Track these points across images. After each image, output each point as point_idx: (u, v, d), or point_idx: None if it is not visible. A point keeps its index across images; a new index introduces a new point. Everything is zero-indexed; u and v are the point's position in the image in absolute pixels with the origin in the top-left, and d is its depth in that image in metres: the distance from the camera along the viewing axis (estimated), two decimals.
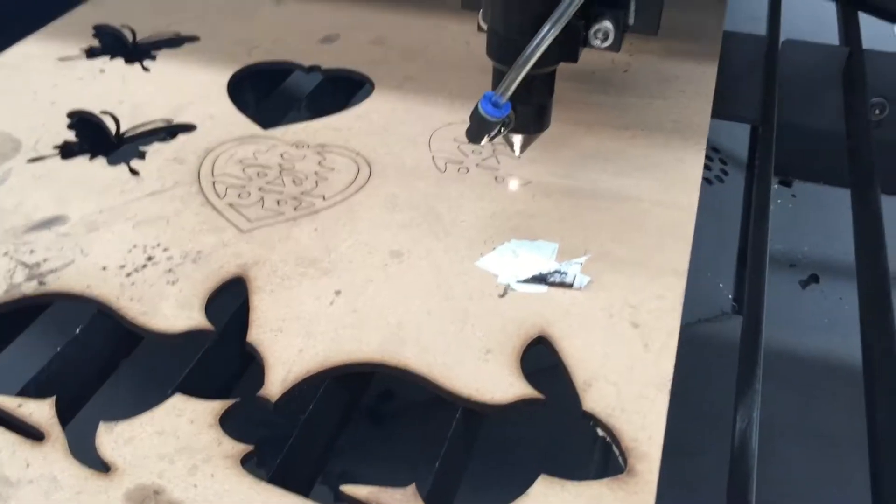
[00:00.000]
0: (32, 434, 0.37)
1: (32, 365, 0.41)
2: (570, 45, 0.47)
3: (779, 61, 0.73)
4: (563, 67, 0.48)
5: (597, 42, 0.48)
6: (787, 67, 0.74)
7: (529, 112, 0.48)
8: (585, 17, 0.48)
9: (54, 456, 0.36)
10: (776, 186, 1.60)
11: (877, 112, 0.72)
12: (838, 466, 0.75)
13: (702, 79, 0.63)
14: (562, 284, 0.45)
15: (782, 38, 0.77)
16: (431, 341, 0.41)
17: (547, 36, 0.42)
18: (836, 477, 0.74)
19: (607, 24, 0.48)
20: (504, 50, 0.45)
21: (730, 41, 0.74)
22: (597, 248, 0.46)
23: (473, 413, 0.39)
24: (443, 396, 0.39)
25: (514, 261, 0.46)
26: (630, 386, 0.39)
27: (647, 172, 0.53)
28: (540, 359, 0.42)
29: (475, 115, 0.45)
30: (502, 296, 0.44)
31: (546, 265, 0.45)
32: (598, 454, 0.37)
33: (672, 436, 0.39)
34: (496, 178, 0.52)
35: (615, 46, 0.48)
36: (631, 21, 0.50)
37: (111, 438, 0.36)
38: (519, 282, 0.45)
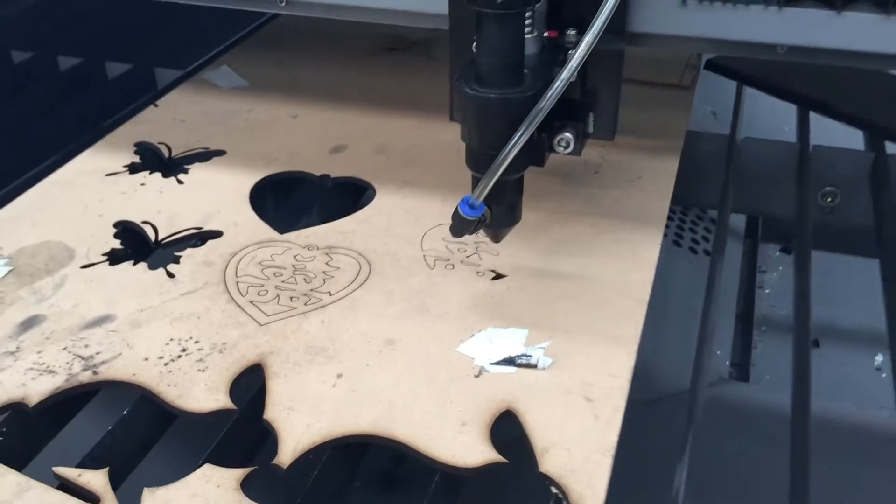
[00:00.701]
0: (90, 499, 0.45)
1: (88, 441, 0.49)
2: (535, 153, 0.56)
3: (738, 156, 0.83)
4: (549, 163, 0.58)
5: (560, 149, 0.58)
6: (747, 161, 0.83)
7: (502, 210, 0.57)
8: (550, 129, 0.58)
9: None
10: (777, 254, 1.68)
11: (828, 199, 0.81)
12: None
13: (663, 175, 0.72)
14: (528, 365, 0.53)
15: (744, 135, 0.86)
16: (417, 417, 0.49)
17: (510, 151, 0.51)
18: None
19: (568, 135, 0.58)
20: (478, 161, 0.54)
21: (695, 138, 0.83)
22: (560, 330, 0.55)
23: (451, 476, 0.47)
24: (425, 462, 0.47)
25: (489, 346, 0.54)
26: (580, 451, 0.47)
27: (609, 258, 0.62)
28: (509, 431, 0.50)
29: (455, 215, 0.54)
30: (477, 376, 0.52)
31: (515, 349, 0.54)
32: None
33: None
34: (478, 273, 0.61)
35: (576, 152, 0.58)
36: (590, 130, 0.59)
37: (153, 501, 0.45)
38: (492, 363, 0.53)
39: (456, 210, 0.54)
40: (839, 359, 1.40)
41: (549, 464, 0.47)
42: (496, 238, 0.59)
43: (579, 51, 0.50)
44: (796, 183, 0.80)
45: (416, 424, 0.49)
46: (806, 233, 0.71)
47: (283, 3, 0.69)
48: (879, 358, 1.33)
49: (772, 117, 1.23)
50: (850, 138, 0.86)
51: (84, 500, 0.45)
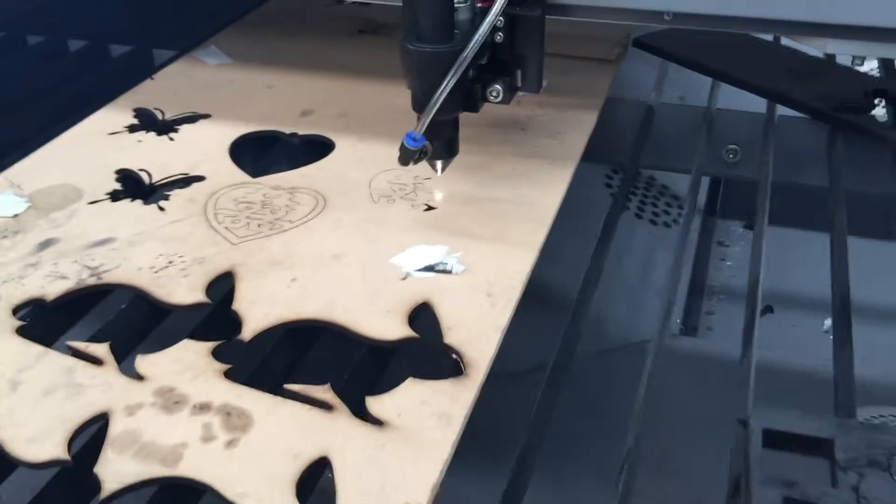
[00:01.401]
0: (95, 361, 0.59)
1: (98, 327, 0.63)
2: (469, 100, 0.71)
3: (654, 120, 0.96)
4: (487, 118, 0.75)
5: (492, 98, 0.72)
6: (661, 124, 0.96)
7: (441, 144, 0.71)
8: (482, 81, 0.71)
9: (109, 371, 0.58)
10: (741, 230, 1.81)
11: (731, 156, 0.93)
12: None
13: (580, 131, 0.86)
14: (444, 271, 0.66)
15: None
16: (352, 307, 0.63)
17: (442, 94, 0.65)
18: None
19: (498, 87, 0.71)
20: (419, 104, 0.68)
21: (615, 104, 0.96)
22: (474, 245, 0.68)
23: (377, 348, 0.61)
24: (357, 339, 0.61)
25: (415, 258, 0.68)
26: (477, 329, 0.60)
27: (525, 189, 0.76)
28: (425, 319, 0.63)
29: (401, 147, 0.68)
30: (403, 279, 0.66)
31: (435, 259, 0.67)
32: (451, 368, 0.58)
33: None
34: (413, 206, 0.74)
35: (506, 101, 0.72)
36: (518, 84, 0.73)
37: (144, 363, 0.58)
38: (416, 270, 0.66)
39: (402, 143, 0.67)
40: (791, 322, 1.53)
41: (452, 338, 0.60)
42: (438, 169, 0.73)
43: (490, 14, 0.64)
44: (703, 142, 0.92)
45: (350, 312, 0.62)
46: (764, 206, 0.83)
47: None
48: (828, 322, 1.45)
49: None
50: (756, 103, 0.99)
51: (92, 362, 0.59)
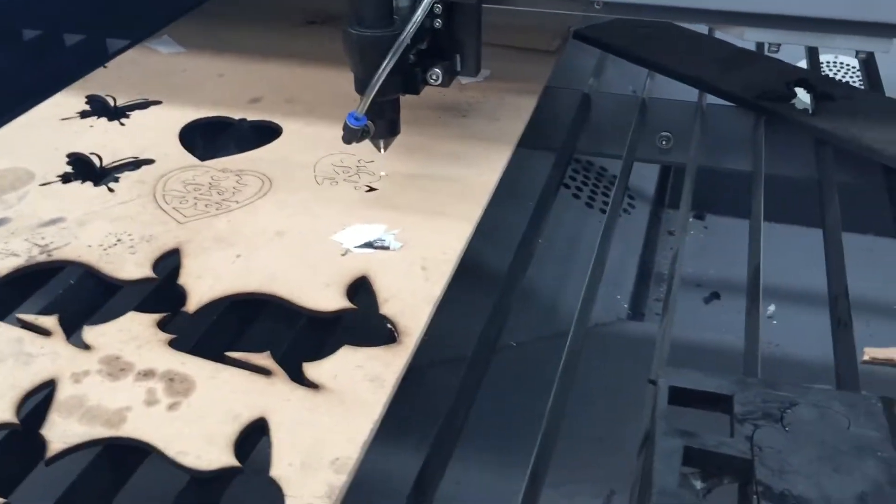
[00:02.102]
0: (44, 332, 0.61)
1: (46, 302, 0.65)
2: (410, 83, 0.74)
3: (589, 107, 1.00)
4: (431, 102, 0.81)
5: (432, 81, 0.76)
6: (597, 112, 1.00)
7: (383, 124, 0.75)
8: (423, 64, 0.75)
9: (57, 342, 0.60)
10: (691, 220, 1.86)
11: (664, 143, 0.98)
12: None
13: (518, 117, 0.90)
14: (382, 247, 0.70)
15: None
16: (293, 280, 0.66)
17: (381, 75, 0.69)
18: None
19: (438, 70, 0.75)
20: (360, 85, 0.72)
21: (555, 92, 1.00)
22: (411, 222, 0.72)
23: (315, 319, 0.64)
24: (295, 310, 0.64)
25: (355, 235, 0.71)
26: (411, 301, 0.64)
27: (469, 163, 0.80)
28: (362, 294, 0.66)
29: (345, 126, 0.71)
30: (343, 255, 0.69)
31: (374, 236, 0.71)
32: (386, 336, 0.61)
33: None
34: (355, 188, 0.78)
35: (445, 84, 0.76)
36: (458, 68, 0.77)
37: (91, 334, 0.61)
38: (355, 247, 0.70)
39: (345, 122, 0.71)
40: (737, 308, 1.58)
41: (388, 309, 0.63)
42: (381, 147, 0.76)
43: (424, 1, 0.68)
44: (635, 129, 0.97)
45: (291, 285, 0.65)
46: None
47: None
48: (772, 308, 1.51)
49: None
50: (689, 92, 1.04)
51: (40, 333, 0.61)
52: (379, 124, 0.73)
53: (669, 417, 0.52)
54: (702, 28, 1.13)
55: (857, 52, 0.77)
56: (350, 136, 0.72)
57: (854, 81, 1.39)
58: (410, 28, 0.68)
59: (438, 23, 0.74)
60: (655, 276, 1.65)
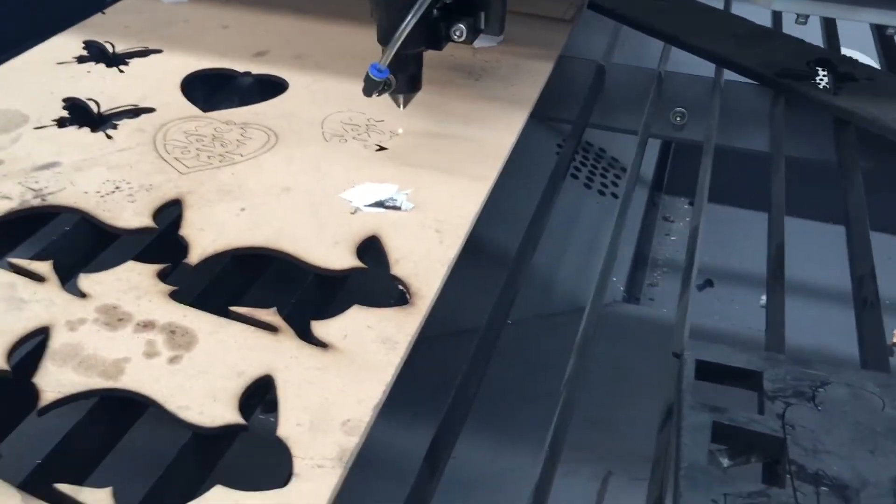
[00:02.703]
0: (38, 278, 0.58)
1: (40, 248, 0.62)
2: (433, 37, 0.72)
3: (605, 79, 0.97)
4: (444, 63, 0.80)
5: (455, 37, 0.73)
6: (611, 84, 0.97)
7: (405, 79, 0.72)
8: (447, 20, 0.72)
9: (51, 288, 0.57)
10: (686, 206, 1.84)
11: (678, 119, 0.95)
12: None
13: (535, 79, 0.87)
14: (394, 207, 0.67)
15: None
16: (301, 237, 0.63)
17: (407, 26, 0.66)
18: None
19: (462, 26, 0.72)
20: (384, 35, 0.69)
21: (568, 62, 0.97)
22: (425, 182, 0.69)
23: (324, 277, 0.61)
24: (304, 267, 0.61)
25: (365, 193, 0.68)
26: (425, 263, 0.61)
27: (484, 124, 0.77)
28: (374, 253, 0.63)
29: (366, 77, 0.69)
30: (353, 213, 0.66)
31: (385, 195, 0.68)
32: (397, 298, 0.59)
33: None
34: (365, 146, 0.75)
35: (469, 41, 0.74)
36: (481, 26, 0.74)
37: (87, 281, 0.58)
38: (365, 205, 0.67)
39: (367, 73, 0.68)
40: (730, 297, 1.57)
41: (399, 270, 0.61)
42: (401, 103, 0.74)
43: None
44: (651, 103, 0.94)
45: (298, 241, 0.62)
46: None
47: None
48: (765, 297, 1.50)
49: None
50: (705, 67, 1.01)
51: (33, 279, 0.58)
52: (400, 79, 0.71)
53: (697, 392, 0.50)
54: (718, 3, 1.11)
55: (887, 28, 0.74)
56: (371, 88, 0.69)
57: None
58: None
59: None
60: (651, 261, 1.63)
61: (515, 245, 1.18)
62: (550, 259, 1.33)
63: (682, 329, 0.59)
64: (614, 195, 1.65)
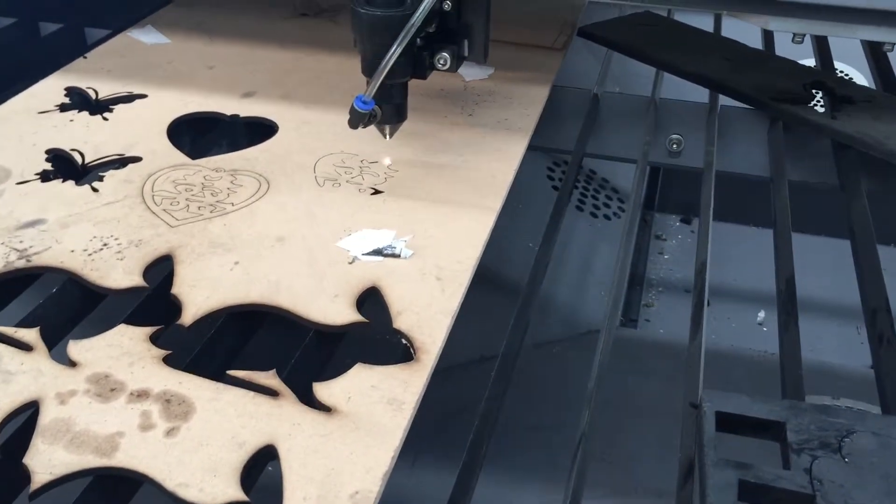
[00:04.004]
0: (25, 347, 0.56)
1: (25, 311, 0.60)
2: (418, 67, 0.71)
3: (598, 107, 0.96)
4: (435, 92, 0.78)
5: (439, 65, 0.72)
6: (604, 112, 0.96)
7: (390, 109, 0.71)
8: (430, 49, 0.71)
9: (39, 358, 0.55)
10: (678, 224, 1.83)
11: (674, 146, 0.94)
12: None
13: (533, 101, 0.86)
14: (393, 255, 0.65)
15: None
16: (297, 291, 0.61)
17: (391, 57, 0.65)
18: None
19: (446, 55, 0.71)
20: (368, 66, 0.68)
21: (562, 91, 0.96)
22: (422, 228, 0.67)
23: (324, 333, 0.59)
24: (303, 324, 0.59)
25: (362, 241, 0.66)
26: (427, 313, 0.59)
27: (482, 155, 0.76)
28: (373, 304, 0.61)
29: (351, 109, 0.68)
30: (351, 263, 0.64)
31: (383, 243, 0.66)
32: (401, 354, 0.57)
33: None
34: (360, 190, 0.73)
35: (453, 69, 0.72)
36: (465, 53, 0.72)
37: (77, 349, 0.55)
38: (363, 254, 0.65)
39: (352, 105, 0.67)
40: (727, 314, 1.55)
41: (401, 323, 0.58)
42: (387, 134, 0.73)
43: None
44: (645, 130, 0.93)
45: (296, 296, 0.60)
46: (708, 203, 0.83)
47: None
48: (761, 314, 1.48)
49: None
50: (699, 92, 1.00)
51: (20, 347, 0.55)
52: (386, 109, 0.70)
53: (718, 445, 0.48)
54: (707, 26, 1.10)
55: (884, 45, 0.73)
56: (356, 119, 0.68)
57: None
58: (423, 8, 0.64)
59: (448, 5, 0.70)
60: (645, 281, 1.62)
61: (508, 270, 1.16)
62: (546, 283, 1.31)
63: (697, 378, 0.57)
64: (606, 217, 1.64)
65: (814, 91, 0.89)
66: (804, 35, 0.76)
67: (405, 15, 0.65)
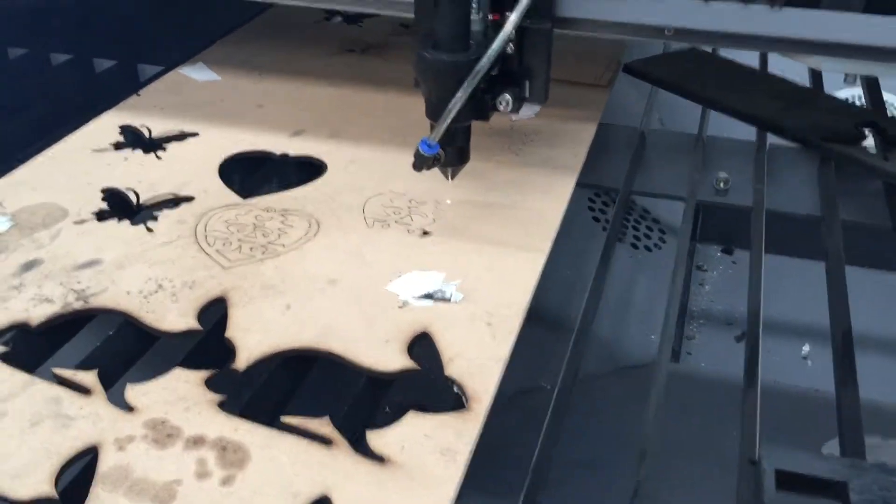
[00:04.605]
0: (83, 391, 0.56)
1: (84, 354, 0.61)
2: (480, 110, 0.71)
3: (644, 146, 0.95)
4: (486, 128, 0.78)
5: (501, 107, 0.72)
6: (651, 150, 0.96)
7: (454, 151, 0.71)
8: (492, 91, 0.71)
9: (97, 401, 0.55)
10: (719, 254, 1.81)
11: (721, 185, 0.93)
12: None
13: (580, 139, 0.86)
14: (443, 299, 0.65)
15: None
16: (349, 336, 0.61)
17: (457, 102, 0.65)
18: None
19: (507, 97, 0.71)
20: (434, 111, 0.68)
21: (608, 128, 0.96)
22: (473, 272, 0.67)
23: (376, 380, 0.59)
24: (355, 369, 0.59)
25: (412, 285, 0.66)
26: (478, 361, 0.59)
27: (530, 193, 0.77)
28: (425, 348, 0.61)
29: (416, 153, 0.68)
30: (401, 307, 0.64)
31: (433, 287, 0.66)
32: (453, 401, 0.57)
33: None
34: (409, 231, 0.73)
35: (514, 111, 0.72)
36: (526, 95, 0.73)
37: (134, 393, 0.56)
38: (414, 298, 0.65)
39: (417, 148, 0.67)
40: (769, 347, 1.53)
41: (453, 369, 0.58)
42: (450, 175, 0.73)
43: (507, 25, 0.65)
44: (693, 168, 0.92)
45: (347, 341, 0.61)
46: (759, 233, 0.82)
47: None
48: (806, 348, 1.46)
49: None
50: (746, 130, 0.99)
51: (79, 391, 0.56)
52: (449, 151, 0.70)
53: None
54: (752, 61, 1.09)
55: None
56: (421, 162, 0.68)
57: None
58: (491, 53, 0.64)
59: (511, 48, 0.70)
60: (687, 312, 1.60)
61: (547, 300, 1.15)
62: (588, 315, 1.31)
63: (755, 433, 0.56)
64: (647, 248, 1.62)
65: (864, 130, 0.88)
66: (856, 76, 0.75)
67: (472, 60, 0.65)
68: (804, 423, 1.09)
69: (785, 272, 1.68)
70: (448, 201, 0.76)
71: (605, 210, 1.49)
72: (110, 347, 0.62)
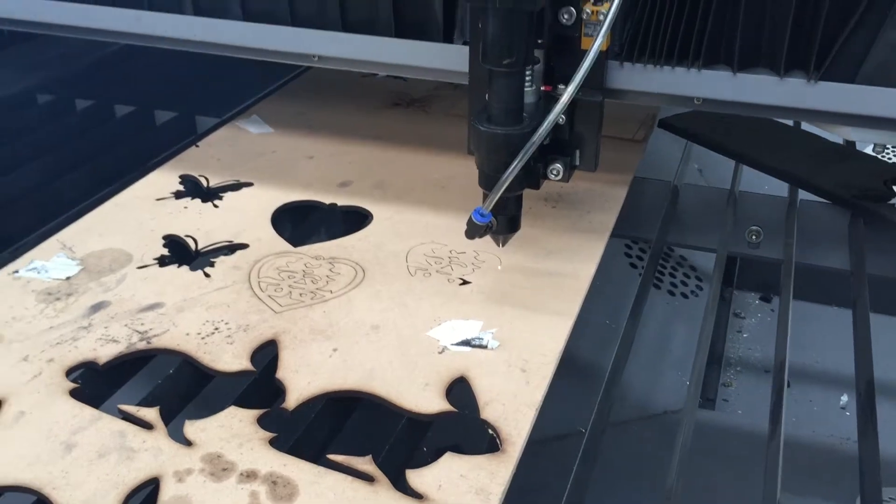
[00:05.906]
0: (146, 426, 0.61)
1: (146, 390, 0.65)
2: (532, 178, 0.73)
3: (678, 199, 0.99)
4: (541, 194, 0.81)
5: (552, 176, 0.74)
6: (684, 204, 0.99)
7: (505, 220, 0.73)
8: (544, 160, 0.74)
9: (159, 436, 0.60)
10: (757, 302, 1.82)
11: (753, 237, 0.96)
12: None
13: (612, 204, 0.89)
14: (480, 346, 0.69)
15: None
16: (391, 379, 0.65)
17: (511, 174, 0.67)
18: None
19: (559, 166, 0.74)
20: (487, 181, 0.70)
21: (643, 182, 0.99)
22: (508, 320, 0.71)
23: (416, 421, 0.63)
24: (395, 411, 0.63)
25: (451, 332, 0.70)
26: (513, 405, 0.62)
27: (563, 255, 0.80)
28: (462, 392, 0.65)
29: (469, 222, 0.70)
30: (440, 353, 0.68)
31: (471, 334, 0.70)
32: (487, 444, 0.60)
33: None
34: (449, 280, 0.77)
35: (565, 179, 0.74)
36: (577, 163, 0.76)
37: (192, 429, 0.61)
38: (452, 344, 0.69)
39: (470, 217, 0.70)
40: (809, 397, 1.53)
41: (489, 413, 0.62)
42: (501, 243, 0.75)
43: (562, 99, 0.66)
44: (725, 222, 0.95)
45: (389, 384, 0.65)
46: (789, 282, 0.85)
47: (316, 59, 0.86)
48: (844, 398, 1.46)
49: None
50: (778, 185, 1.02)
51: (141, 426, 0.61)
52: (500, 220, 0.72)
53: None
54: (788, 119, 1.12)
55: None
56: (473, 231, 0.70)
57: None
58: (545, 127, 0.66)
59: (562, 119, 0.72)
60: (724, 360, 1.61)
61: (582, 346, 1.18)
62: (619, 362, 1.33)
63: (775, 485, 0.59)
64: (684, 295, 1.64)
65: (895, 188, 0.90)
66: (885, 146, 0.78)
67: (525, 133, 0.67)
68: (835, 471, 1.10)
69: (825, 321, 1.68)
70: (499, 267, 0.79)
71: (641, 257, 1.52)
72: (170, 385, 0.66)
